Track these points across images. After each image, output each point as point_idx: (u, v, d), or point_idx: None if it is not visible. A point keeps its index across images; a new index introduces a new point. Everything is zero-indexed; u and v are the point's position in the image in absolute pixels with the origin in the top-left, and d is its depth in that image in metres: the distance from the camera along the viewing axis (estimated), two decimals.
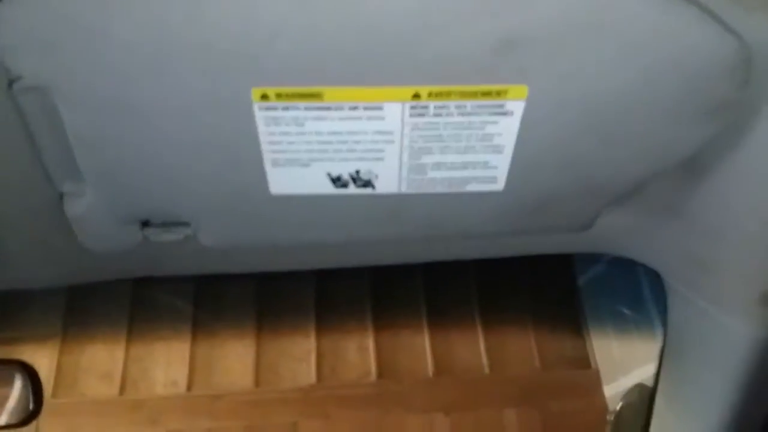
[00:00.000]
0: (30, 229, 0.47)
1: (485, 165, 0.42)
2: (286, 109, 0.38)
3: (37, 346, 0.98)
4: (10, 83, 0.37)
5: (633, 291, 0.91)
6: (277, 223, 0.46)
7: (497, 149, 0.41)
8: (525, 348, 1.05)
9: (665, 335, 0.58)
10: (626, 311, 0.97)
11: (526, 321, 1.07)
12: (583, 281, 1.11)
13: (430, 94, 0.38)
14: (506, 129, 0.40)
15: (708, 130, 0.39)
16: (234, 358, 1.00)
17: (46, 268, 0.52)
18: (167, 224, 0.47)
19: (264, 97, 0.37)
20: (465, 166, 0.42)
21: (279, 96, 0.37)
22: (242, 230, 0.47)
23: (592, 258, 1.05)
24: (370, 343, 1.03)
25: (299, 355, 1.01)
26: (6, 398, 0.51)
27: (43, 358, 0.97)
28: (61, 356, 0.98)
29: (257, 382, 0.98)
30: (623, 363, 0.97)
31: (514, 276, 1.08)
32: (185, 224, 0.47)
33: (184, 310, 1.04)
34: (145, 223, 0.47)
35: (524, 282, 1.08)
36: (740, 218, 0.44)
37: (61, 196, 0.44)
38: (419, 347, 1.03)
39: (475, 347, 1.04)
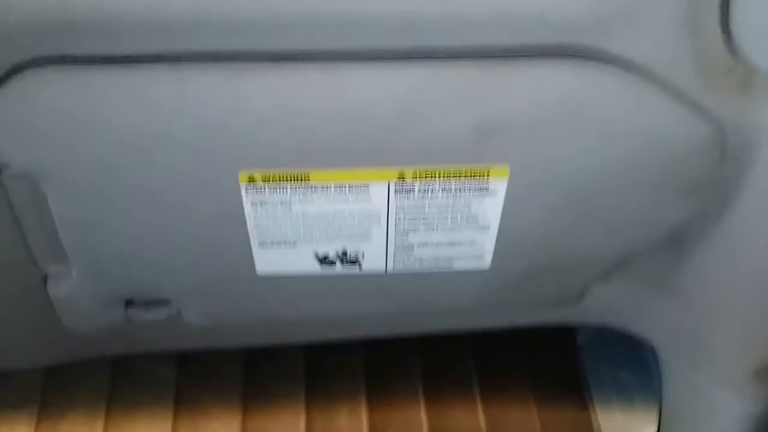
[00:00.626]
0: (12, 309, 0.48)
1: (471, 243, 0.44)
2: (273, 191, 0.40)
3: (13, 418, 0.97)
4: None
5: (634, 353, 0.92)
6: (263, 301, 0.48)
7: (482, 227, 0.43)
8: (528, 421, 1.04)
9: (660, 408, 0.58)
10: (628, 379, 0.98)
11: (527, 394, 1.07)
12: (582, 338, 1.11)
13: (414, 175, 0.39)
14: (490, 208, 0.41)
15: (688, 207, 0.41)
16: None
17: (27, 349, 0.52)
18: (150, 303, 0.48)
19: (251, 179, 0.39)
20: (451, 244, 0.44)
21: (266, 179, 0.39)
22: (227, 308, 0.48)
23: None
24: (364, 421, 1.02)
25: None
26: None
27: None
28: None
29: None
30: None
31: (512, 344, 1.08)
32: (169, 303, 0.48)
33: (167, 378, 1.03)
34: (129, 302, 0.48)
35: (524, 351, 1.08)
36: (728, 293, 0.46)
37: (44, 277, 0.45)
38: (415, 426, 1.02)
39: (474, 422, 1.03)
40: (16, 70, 0.34)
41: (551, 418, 1.04)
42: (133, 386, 1.01)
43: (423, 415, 1.01)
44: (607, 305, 0.52)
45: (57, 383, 1.00)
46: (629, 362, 0.95)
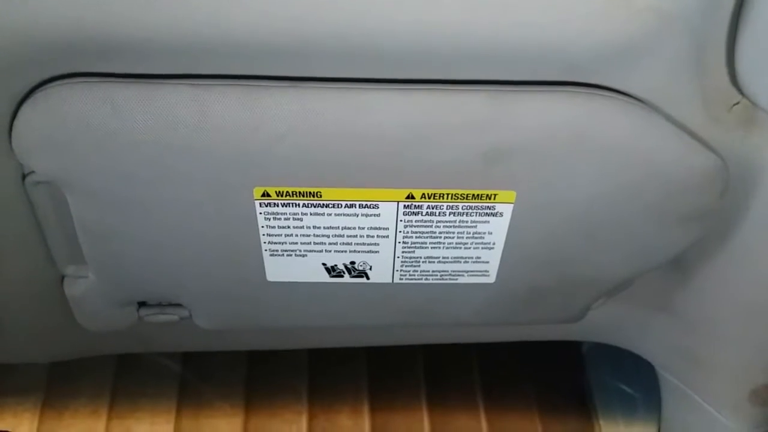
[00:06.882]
0: (28, 307, 0.51)
1: (477, 259, 0.46)
2: (285, 205, 0.42)
3: (18, 407, 1.00)
4: (23, 177, 0.41)
5: (639, 365, 0.94)
6: (272, 307, 0.50)
7: (488, 245, 0.45)
8: (530, 431, 1.07)
9: (660, 423, 0.61)
10: (632, 390, 1.00)
11: (531, 403, 1.09)
12: (587, 349, 1.13)
13: (423, 196, 0.42)
14: (496, 228, 0.44)
15: (690, 234, 0.44)
16: None
17: (41, 345, 0.55)
18: (163, 305, 0.51)
19: (265, 195, 0.41)
20: (457, 260, 0.46)
21: (279, 194, 0.41)
22: (237, 313, 0.51)
23: None
24: (366, 423, 1.05)
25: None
26: None
27: (23, 420, 0.99)
28: (41, 425, 1.00)
29: None
30: None
31: (517, 353, 1.10)
32: (181, 306, 0.51)
33: (172, 372, 1.06)
34: (142, 304, 0.51)
35: (529, 360, 1.10)
36: (726, 316, 0.48)
37: (62, 277, 0.48)
38: (417, 430, 1.04)
39: (476, 430, 1.06)
40: (42, 84, 0.37)
41: (554, 428, 1.06)
42: (137, 379, 1.05)
43: (425, 420, 1.04)
44: (609, 324, 0.55)
45: (61, 374, 1.04)
46: (634, 374, 0.97)
